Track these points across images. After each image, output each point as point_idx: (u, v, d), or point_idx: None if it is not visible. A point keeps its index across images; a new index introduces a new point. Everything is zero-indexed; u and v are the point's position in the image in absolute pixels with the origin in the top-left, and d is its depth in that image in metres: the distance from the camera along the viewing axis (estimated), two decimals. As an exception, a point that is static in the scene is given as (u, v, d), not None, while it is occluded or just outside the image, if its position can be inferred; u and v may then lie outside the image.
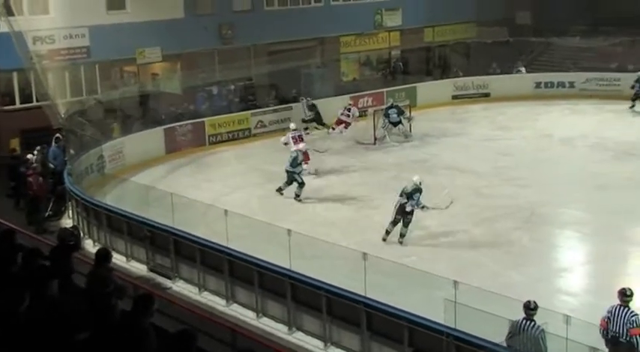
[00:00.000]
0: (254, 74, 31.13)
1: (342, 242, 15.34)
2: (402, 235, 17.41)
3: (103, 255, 10.33)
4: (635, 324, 11.14)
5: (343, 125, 27.23)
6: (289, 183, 20.96)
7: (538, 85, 33.21)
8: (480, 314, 11.69)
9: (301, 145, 22.46)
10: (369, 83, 33.17)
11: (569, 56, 35.53)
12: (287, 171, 20.91)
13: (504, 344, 11.17)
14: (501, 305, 12.35)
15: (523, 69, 34.45)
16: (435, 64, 37.83)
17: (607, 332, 11.48)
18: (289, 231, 14.51)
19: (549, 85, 33.15)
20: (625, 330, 11.17)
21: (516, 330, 11.01)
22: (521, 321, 11.04)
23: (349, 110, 27.39)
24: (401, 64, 35.86)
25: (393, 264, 14.08)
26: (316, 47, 33.18)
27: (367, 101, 30.28)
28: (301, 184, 20.87)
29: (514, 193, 20.79)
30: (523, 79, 33.59)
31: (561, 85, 32.85)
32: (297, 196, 20.87)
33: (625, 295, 11.36)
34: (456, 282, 12.11)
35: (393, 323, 12.06)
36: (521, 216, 19.11)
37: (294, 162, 20.84)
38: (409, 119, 27.19)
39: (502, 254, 16.79)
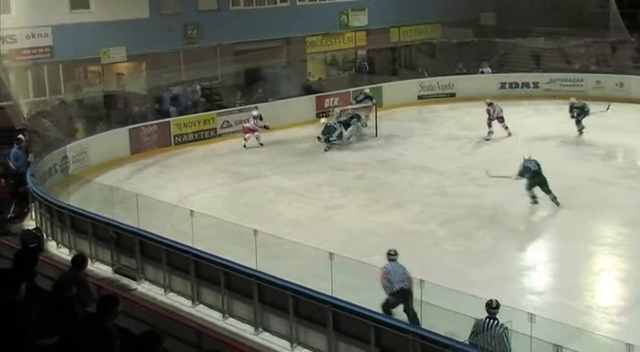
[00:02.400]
0: (220, 74, 31.02)
1: (308, 242, 15.32)
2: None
3: (80, 261, 10.26)
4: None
5: (251, 133, 26.30)
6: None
7: (503, 85, 33.50)
8: (445, 313, 11.79)
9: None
10: (335, 83, 33.16)
11: (534, 57, 35.85)
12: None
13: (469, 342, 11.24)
14: (466, 303, 12.45)
15: (488, 69, 34.70)
16: (400, 64, 37.96)
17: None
18: (255, 231, 14.50)
19: (514, 85, 33.47)
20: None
21: (480, 329, 11.07)
22: (485, 320, 11.11)
23: (257, 118, 26.40)
24: (366, 64, 35.95)
25: (359, 263, 14.11)
26: (282, 47, 33.13)
27: (333, 101, 30.33)
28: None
29: (479, 193, 20.93)
30: (488, 80, 33.82)
31: (525, 85, 33.17)
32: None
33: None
34: (421, 281, 12.18)
35: (359, 322, 12.07)
36: (485, 215, 19.26)
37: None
38: (364, 124, 27.33)
39: (466, 253, 16.90)
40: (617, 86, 31.42)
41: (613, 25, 32.32)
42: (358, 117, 27.11)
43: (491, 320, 11.06)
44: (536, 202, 19.53)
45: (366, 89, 29.40)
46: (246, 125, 26.18)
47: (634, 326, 13.35)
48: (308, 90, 31.76)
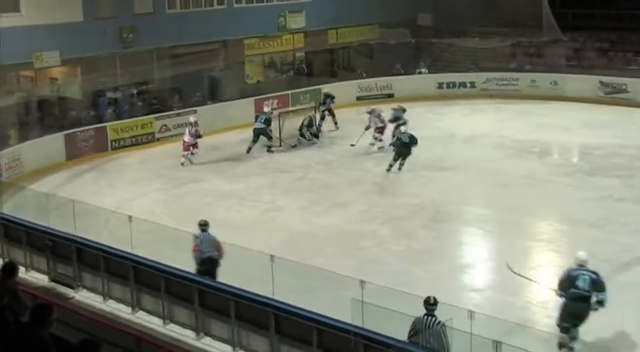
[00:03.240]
0: (157, 78, 30.69)
1: (248, 244, 15.19)
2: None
3: (9, 269, 9.98)
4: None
5: (189, 150, 24.79)
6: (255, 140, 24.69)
7: (440, 85, 33.86)
8: (386, 313, 11.81)
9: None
10: (273, 85, 33.09)
11: (470, 57, 36.32)
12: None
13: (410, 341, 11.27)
14: (408, 302, 12.49)
15: (425, 70, 35.03)
16: (339, 66, 38.06)
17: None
18: (195, 235, 14.34)
19: (451, 85, 33.85)
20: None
21: (419, 327, 11.11)
22: (423, 317, 11.15)
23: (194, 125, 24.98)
24: (304, 66, 35.97)
25: (300, 265, 14.07)
26: (220, 50, 32.92)
27: (272, 103, 30.22)
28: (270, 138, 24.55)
29: (419, 192, 21.09)
30: (426, 80, 34.18)
31: (463, 85, 33.58)
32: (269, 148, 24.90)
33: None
34: (362, 282, 12.17)
35: (301, 324, 12.02)
36: (426, 214, 19.40)
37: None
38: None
39: (408, 252, 16.99)
40: (552, 85, 32.00)
41: (546, 24, 32.91)
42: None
43: (430, 318, 11.11)
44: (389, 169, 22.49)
45: (325, 89, 29.60)
46: (186, 140, 24.70)
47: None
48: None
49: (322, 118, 28.29)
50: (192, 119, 25.17)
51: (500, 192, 20.85)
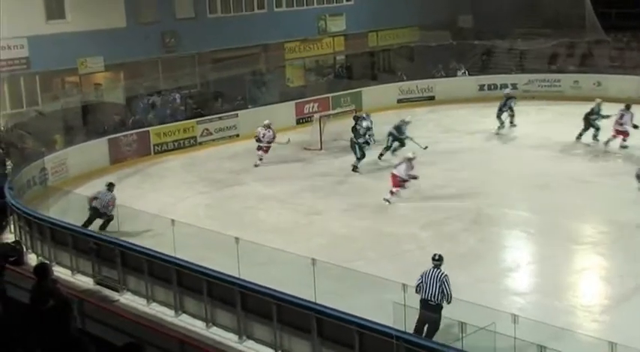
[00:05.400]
0: (199, 82, 30.94)
1: (289, 248, 15.26)
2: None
3: (41, 270, 10.05)
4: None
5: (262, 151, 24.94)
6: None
7: (482, 87, 33.61)
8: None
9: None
10: (314, 89, 33.16)
11: (511, 58, 36.04)
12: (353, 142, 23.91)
13: (455, 346, 11.23)
14: (450, 306, 12.45)
15: (466, 72, 34.83)
16: (379, 69, 38.01)
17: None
18: (237, 239, 14.43)
19: (492, 87, 33.54)
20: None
21: (425, 278, 12.56)
22: (429, 270, 12.64)
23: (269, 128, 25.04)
24: (344, 69, 36.00)
25: (342, 268, 14.08)
26: (261, 54, 33.10)
27: (313, 107, 30.33)
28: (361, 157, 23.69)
29: (461, 195, 20.96)
30: (467, 82, 34.00)
31: (504, 86, 33.25)
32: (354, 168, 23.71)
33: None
34: (404, 285, 12.15)
35: (343, 328, 12.03)
36: (468, 217, 19.29)
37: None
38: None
39: (450, 255, 16.77)
40: (595, 85, 31.60)
41: (589, 25, 32.53)
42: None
43: (435, 269, 12.63)
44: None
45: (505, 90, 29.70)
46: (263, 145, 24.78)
47: (617, 325, 13.42)
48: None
49: (512, 116, 28.00)
50: (267, 122, 25.01)
51: (543, 194, 20.64)
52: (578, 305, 14.56)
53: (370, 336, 11.74)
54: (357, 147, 23.92)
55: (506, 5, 34.90)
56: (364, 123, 24.91)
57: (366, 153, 24.08)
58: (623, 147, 24.45)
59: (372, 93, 32.13)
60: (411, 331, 11.93)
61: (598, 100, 25.61)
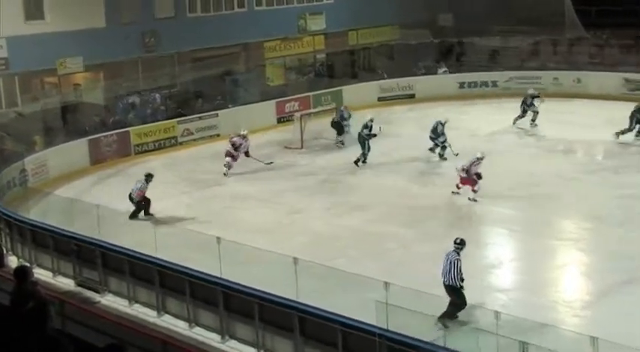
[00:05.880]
0: (179, 82, 30.83)
1: (271, 247, 15.23)
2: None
3: (21, 272, 9.95)
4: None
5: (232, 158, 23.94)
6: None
7: (462, 84, 33.72)
8: (411, 314, 11.79)
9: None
10: (294, 88, 33.12)
11: (491, 56, 36.14)
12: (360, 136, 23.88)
13: (436, 343, 11.26)
14: (433, 304, 12.48)
15: (446, 69, 34.91)
16: (360, 67, 38.02)
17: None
18: (218, 238, 14.39)
19: (473, 84, 33.69)
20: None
21: (443, 260, 13.51)
22: (449, 251, 13.55)
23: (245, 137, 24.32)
24: (324, 67, 35.98)
25: (324, 267, 14.08)
26: (241, 53, 33.02)
27: (293, 106, 30.29)
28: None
29: (442, 193, 21.01)
30: (447, 80, 34.05)
31: (484, 84, 33.42)
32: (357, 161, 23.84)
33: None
34: (386, 283, 12.15)
35: (325, 326, 12.03)
36: (450, 214, 19.35)
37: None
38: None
39: (432, 253, 16.86)
40: (575, 82, 31.78)
41: (568, 22, 32.71)
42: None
43: (452, 252, 13.46)
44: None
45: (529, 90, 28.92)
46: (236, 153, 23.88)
47: (598, 320, 13.52)
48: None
49: (533, 119, 27.77)
50: (243, 131, 24.30)
51: (525, 191, 20.74)
52: (560, 300, 14.64)
53: (353, 335, 11.75)
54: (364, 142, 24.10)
55: (485, 3, 35.03)
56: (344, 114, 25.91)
57: (344, 152, 24.16)
58: None
59: (352, 92, 32.12)
60: (394, 329, 11.91)
61: None
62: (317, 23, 35.35)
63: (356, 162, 23.90)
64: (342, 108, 27.85)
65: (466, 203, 20.12)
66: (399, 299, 12.33)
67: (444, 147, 24.02)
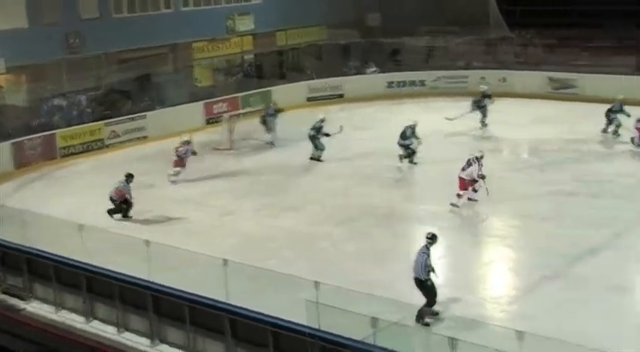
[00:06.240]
0: (105, 83, 30.36)
1: (202, 249, 15.10)
2: None
3: None
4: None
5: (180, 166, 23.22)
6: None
7: (390, 84, 34.06)
8: (342, 313, 11.82)
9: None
10: (223, 89, 32.95)
11: (419, 56, 36.55)
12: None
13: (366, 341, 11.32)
14: (364, 302, 12.53)
15: (375, 69, 35.17)
16: (288, 67, 38.03)
17: None
18: (147, 242, 14.21)
19: (401, 84, 34.08)
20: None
21: None
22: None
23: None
24: (252, 68, 35.88)
25: (255, 268, 14.02)
26: (168, 54, 32.71)
27: (222, 107, 30.15)
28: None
29: (373, 192, 21.16)
30: (376, 79, 34.35)
31: (412, 83, 33.81)
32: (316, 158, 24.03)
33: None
34: (317, 283, 12.17)
35: (257, 328, 11.99)
36: (380, 214, 19.45)
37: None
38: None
39: (363, 252, 17.01)
40: (501, 81, 32.37)
41: (493, 22, 33.31)
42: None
43: (423, 246, 13.58)
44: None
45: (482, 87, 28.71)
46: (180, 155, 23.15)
47: (524, 314, 13.74)
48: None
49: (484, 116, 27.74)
50: (186, 137, 23.57)
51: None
52: (488, 297, 14.83)
53: (284, 335, 11.74)
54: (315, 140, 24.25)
55: (413, 3, 35.42)
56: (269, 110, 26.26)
57: (274, 152, 24.16)
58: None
59: (281, 92, 32.08)
60: (325, 328, 11.93)
61: (620, 97, 25.67)
62: (245, 24, 35.24)
63: (314, 159, 24.24)
64: (271, 104, 27.83)
65: (398, 201, 20.26)
66: (330, 298, 12.39)
67: (413, 152, 23.22)
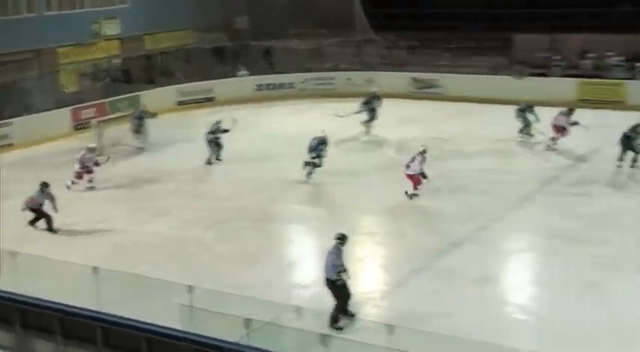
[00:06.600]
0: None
1: (73, 258, 14.85)
2: None
3: None
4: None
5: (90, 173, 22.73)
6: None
7: (260, 87, 34.31)
8: (216, 316, 11.89)
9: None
10: (90, 94, 32.30)
11: (288, 58, 36.91)
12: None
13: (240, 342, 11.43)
14: (238, 304, 12.63)
15: (245, 72, 35.30)
16: (157, 72, 37.62)
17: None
18: (13, 253, 13.86)
19: (270, 86, 34.35)
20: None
21: None
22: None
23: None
24: (119, 72, 35.33)
25: (127, 274, 13.89)
26: (33, 59, 31.75)
27: (90, 112, 29.58)
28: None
29: (242, 194, 21.29)
30: (245, 82, 34.51)
31: (282, 86, 34.11)
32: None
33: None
34: (190, 287, 12.19)
35: (130, 335, 11.89)
36: (250, 215, 19.57)
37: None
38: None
39: (235, 254, 17.11)
40: (367, 82, 33.11)
41: (358, 25, 34.05)
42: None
43: (333, 246, 13.64)
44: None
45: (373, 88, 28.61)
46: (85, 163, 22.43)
47: (395, 309, 14.16)
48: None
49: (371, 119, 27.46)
50: (91, 145, 22.90)
51: (323, 188, 21.36)
52: (359, 292, 15.14)
53: (158, 341, 11.69)
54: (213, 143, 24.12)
55: (281, 7, 35.76)
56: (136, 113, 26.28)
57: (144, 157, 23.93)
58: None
59: (150, 97, 31.71)
60: (199, 332, 11.96)
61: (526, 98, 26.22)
62: (112, 28, 34.59)
63: (210, 163, 24.06)
64: (139, 108, 27.64)
65: (269, 202, 20.44)
66: (204, 302, 12.44)
67: (315, 165, 22.10)
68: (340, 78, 34.02)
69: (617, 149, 22.41)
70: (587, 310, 13.84)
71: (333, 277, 13.37)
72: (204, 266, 16.29)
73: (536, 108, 25.36)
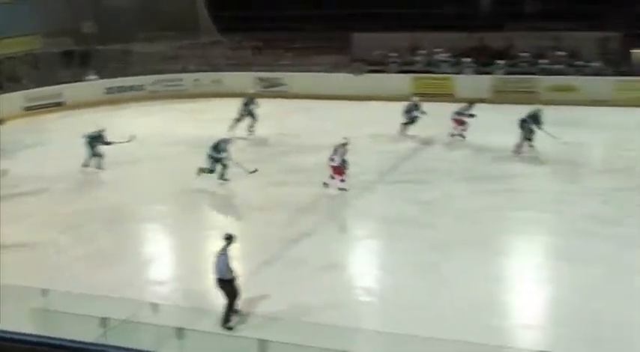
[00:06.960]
0: None
1: None
2: None
3: None
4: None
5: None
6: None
7: (110, 90, 34.31)
8: (72, 318, 12.12)
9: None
10: None
11: (137, 61, 36.96)
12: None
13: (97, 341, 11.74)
14: (96, 305, 12.91)
15: (95, 76, 35.13)
16: (4, 77, 36.76)
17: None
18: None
19: (121, 89, 34.38)
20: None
21: None
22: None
23: None
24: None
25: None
26: None
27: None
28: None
29: (95, 196, 21.51)
30: (95, 86, 34.37)
31: (132, 88, 34.20)
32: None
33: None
34: (44, 290, 12.37)
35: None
36: (104, 217, 19.73)
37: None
38: None
39: (90, 256, 17.20)
40: (214, 83, 33.77)
41: (203, 27, 34.58)
42: None
43: (223, 247, 13.64)
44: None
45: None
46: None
47: (251, 298, 14.67)
48: None
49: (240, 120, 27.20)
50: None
51: (176, 188, 21.62)
52: (210, 286, 15.63)
53: (11, 347, 11.71)
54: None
55: (127, 10, 35.82)
56: None
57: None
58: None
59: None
60: (55, 335, 12.12)
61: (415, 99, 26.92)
62: (-49, 33, 33.59)
63: (86, 166, 23.68)
64: None
65: (118, 203, 20.71)
66: (60, 304, 12.61)
67: (225, 166, 21.78)
68: (188, 79, 34.57)
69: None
70: (427, 290, 14.84)
71: (227, 276, 13.61)
72: (59, 269, 16.33)
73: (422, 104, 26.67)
